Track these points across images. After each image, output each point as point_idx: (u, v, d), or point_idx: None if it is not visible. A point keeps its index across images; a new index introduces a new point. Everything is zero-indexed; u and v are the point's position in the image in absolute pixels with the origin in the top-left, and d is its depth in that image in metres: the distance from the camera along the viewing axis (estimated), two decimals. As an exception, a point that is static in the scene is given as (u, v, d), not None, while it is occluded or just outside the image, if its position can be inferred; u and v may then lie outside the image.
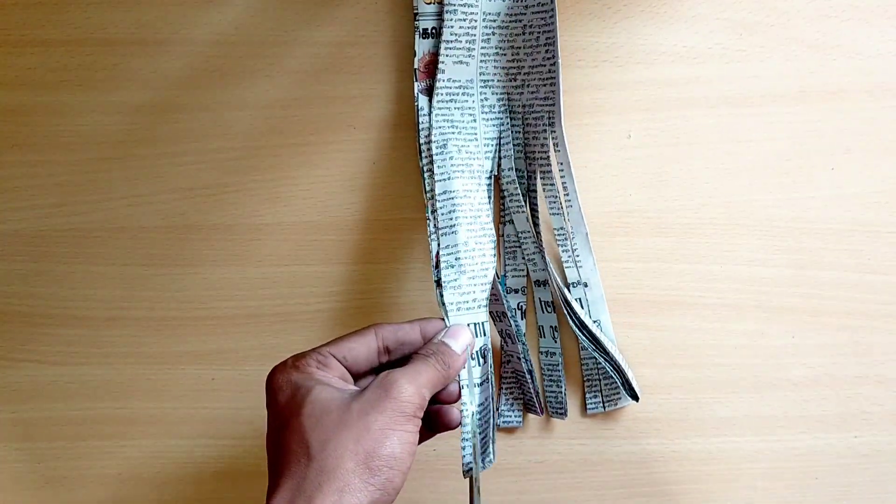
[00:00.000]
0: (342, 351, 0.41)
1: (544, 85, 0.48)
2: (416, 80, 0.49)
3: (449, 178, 0.47)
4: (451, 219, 0.46)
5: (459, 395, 0.43)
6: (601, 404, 0.50)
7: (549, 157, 0.48)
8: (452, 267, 0.45)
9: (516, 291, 0.50)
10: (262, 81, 0.50)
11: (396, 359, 0.42)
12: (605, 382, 0.50)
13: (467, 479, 0.42)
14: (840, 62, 0.50)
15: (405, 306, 0.50)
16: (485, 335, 0.45)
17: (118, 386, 0.51)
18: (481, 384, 0.44)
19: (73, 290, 0.51)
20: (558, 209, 0.49)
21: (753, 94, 0.50)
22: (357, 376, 0.42)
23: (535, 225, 0.49)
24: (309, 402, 0.38)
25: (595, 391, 0.50)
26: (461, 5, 0.47)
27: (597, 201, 0.50)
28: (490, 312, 0.49)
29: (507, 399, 0.50)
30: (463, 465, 0.42)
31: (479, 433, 0.44)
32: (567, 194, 0.48)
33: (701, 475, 0.50)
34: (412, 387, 0.39)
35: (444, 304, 0.44)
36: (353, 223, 0.50)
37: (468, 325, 0.44)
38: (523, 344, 0.49)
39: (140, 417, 0.51)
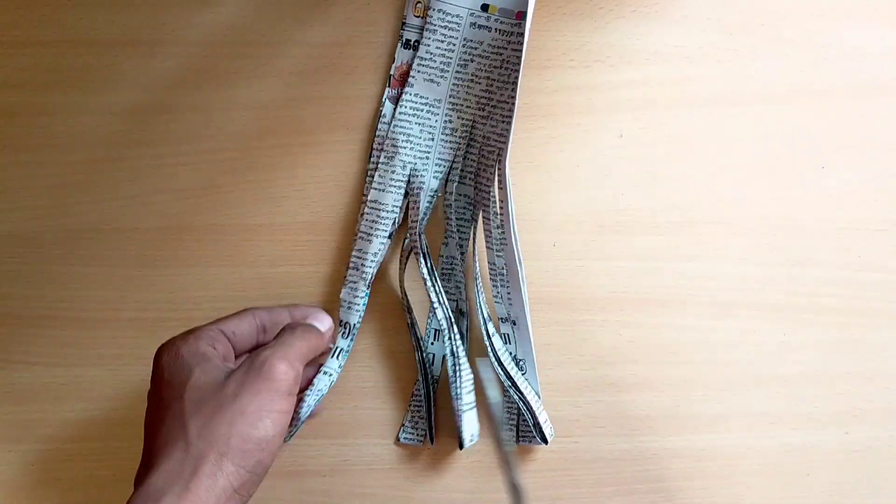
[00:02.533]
0: (230, 327, 0.43)
1: (503, 122, 0.48)
2: (389, 86, 0.49)
3: (383, 191, 0.48)
4: (370, 227, 0.48)
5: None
6: (514, 439, 0.50)
7: (490, 192, 0.48)
8: (357, 269, 0.48)
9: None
10: (255, 82, 0.50)
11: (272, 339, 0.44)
12: (522, 418, 0.49)
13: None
14: (830, 61, 0.50)
15: (398, 306, 0.50)
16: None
17: (112, 387, 0.51)
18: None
19: (67, 291, 0.51)
20: (492, 244, 0.48)
21: (744, 94, 0.50)
22: (239, 354, 0.43)
23: (462, 254, 0.49)
24: (190, 386, 0.39)
25: (511, 425, 0.50)
26: (442, 26, 0.48)
27: (589, 200, 0.50)
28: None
29: (413, 418, 0.50)
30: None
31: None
32: (503, 233, 0.47)
33: (694, 472, 0.51)
34: (284, 364, 0.40)
35: (341, 300, 0.48)
36: (348, 223, 0.50)
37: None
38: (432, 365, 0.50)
39: (134, 419, 0.51)
